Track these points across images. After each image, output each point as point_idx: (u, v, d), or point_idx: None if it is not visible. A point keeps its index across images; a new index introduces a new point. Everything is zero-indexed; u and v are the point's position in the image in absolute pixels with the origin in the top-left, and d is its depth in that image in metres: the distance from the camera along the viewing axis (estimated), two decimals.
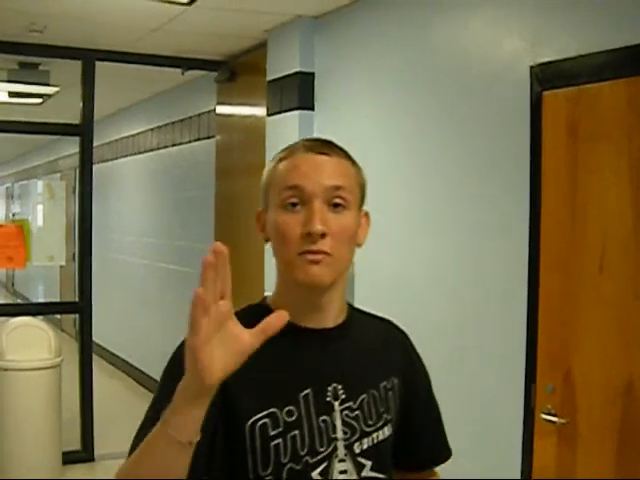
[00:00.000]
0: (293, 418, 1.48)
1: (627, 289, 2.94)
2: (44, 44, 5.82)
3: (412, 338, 1.76)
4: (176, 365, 1.40)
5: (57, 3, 4.82)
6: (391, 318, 1.79)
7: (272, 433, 1.46)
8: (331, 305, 1.57)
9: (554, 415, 3.18)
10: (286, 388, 1.50)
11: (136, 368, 8.93)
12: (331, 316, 1.58)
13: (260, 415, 1.46)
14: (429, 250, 4.05)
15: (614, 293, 2.99)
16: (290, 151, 1.55)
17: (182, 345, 1.41)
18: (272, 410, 1.47)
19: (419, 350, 1.77)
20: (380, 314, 1.76)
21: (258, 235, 1.58)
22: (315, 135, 5.00)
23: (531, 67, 3.36)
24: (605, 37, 3.03)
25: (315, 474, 1.48)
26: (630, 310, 2.93)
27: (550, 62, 3.28)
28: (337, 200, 1.49)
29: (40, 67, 6.69)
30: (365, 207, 1.61)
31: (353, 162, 1.57)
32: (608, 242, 3.01)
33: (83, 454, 6.22)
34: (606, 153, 3.04)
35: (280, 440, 1.46)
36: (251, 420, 1.45)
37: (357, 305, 1.71)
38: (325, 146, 1.55)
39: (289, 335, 1.35)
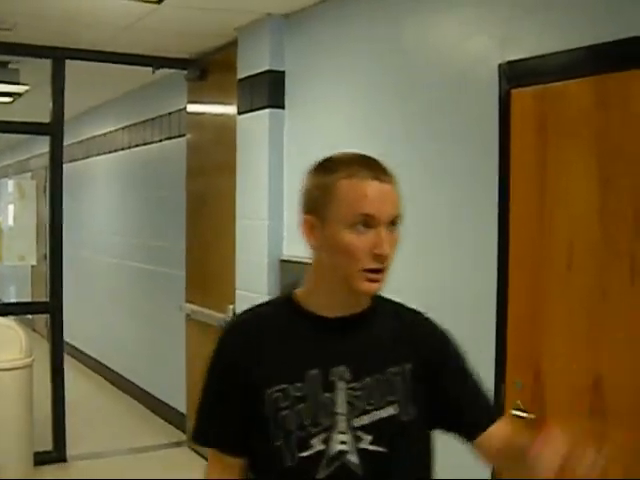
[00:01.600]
0: (300, 393, 1.74)
1: (595, 287, 2.97)
2: (14, 42, 5.76)
3: None
4: (218, 359, 1.85)
5: (27, 1, 4.79)
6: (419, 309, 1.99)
7: (282, 405, 1.73)
8: (362, 299, 1.83)
9: (523, 411, 3.22)
10: (297, 367, 1.76)
11: (108, 368, 8.89)
12: (358, 307, 1.83)
13: (275, 388, 1.74)
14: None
15: (582, 291, 3.02)
16: (352, 171, 1.74)
17: (224, 334, 1.88)
18: (284, 386, 1.74)
19: None
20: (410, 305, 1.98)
21: (306, 239, 1.79)
22: (286, 133, 5.04)
23: (499, 65, 3.39)
24: (572, 36, 3.06)
25: (315, 441, 1.73)
26: (598, 307, 2.96)
27: (518, 60, 3.31)
28: (394, 225, 1.77)
29: (10, 65, 6.63)
30: None
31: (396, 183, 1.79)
32: (576, 240, 3.04)
33: (55, 454, 6.17)
34: (574, 150, 3.07)
35: (288, 412, 1.73)
36: (269, 390, 1.74)
37: None
38: (383, 172, 1.76)
39: (310, 323, 1.80)
